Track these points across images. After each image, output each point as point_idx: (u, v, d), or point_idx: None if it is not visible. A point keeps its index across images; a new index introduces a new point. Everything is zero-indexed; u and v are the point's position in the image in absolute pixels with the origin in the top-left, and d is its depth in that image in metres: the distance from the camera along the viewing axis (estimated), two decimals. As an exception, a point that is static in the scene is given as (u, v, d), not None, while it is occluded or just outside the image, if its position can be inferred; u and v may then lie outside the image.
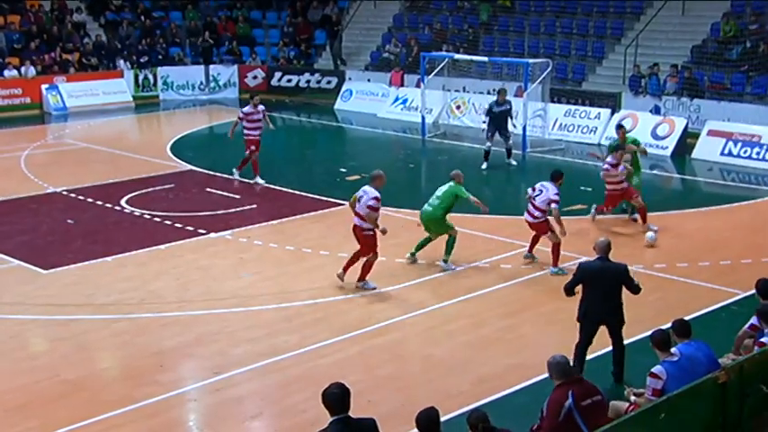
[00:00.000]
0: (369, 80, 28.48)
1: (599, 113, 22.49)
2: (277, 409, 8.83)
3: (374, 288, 11.74)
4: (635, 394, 7.46)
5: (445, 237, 12.52)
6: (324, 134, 25.59)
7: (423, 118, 23.17)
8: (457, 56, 24.70)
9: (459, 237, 12.64)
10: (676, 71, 23.14)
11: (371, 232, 11.73)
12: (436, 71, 23.86)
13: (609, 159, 14.28)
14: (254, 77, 30.90)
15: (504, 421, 6.73)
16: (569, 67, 26.05)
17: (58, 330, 10.63)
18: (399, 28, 30.85)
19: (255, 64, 31.25)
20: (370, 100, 27.36)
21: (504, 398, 8.75)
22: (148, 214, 15.46)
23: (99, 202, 16.29)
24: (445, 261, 12.52)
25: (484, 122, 19.76)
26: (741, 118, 20.76)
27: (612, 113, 22.38)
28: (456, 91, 24.74)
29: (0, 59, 27.68)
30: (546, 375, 7.01)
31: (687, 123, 21.25)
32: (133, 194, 16.77)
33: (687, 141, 20.87)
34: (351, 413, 5.94)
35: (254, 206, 16.13)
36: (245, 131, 17.70)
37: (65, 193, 17.08)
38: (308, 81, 30.32)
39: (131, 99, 28.96)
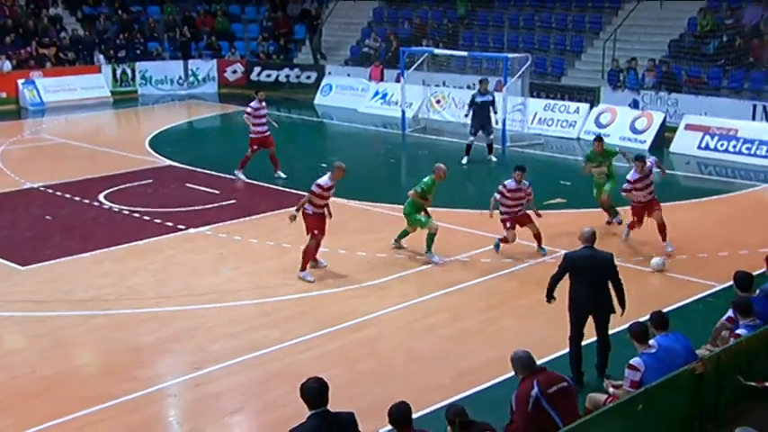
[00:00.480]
0: (348, 75, 28.44)
1: (578, 108, 22.59)
2: (257, 404, 8.81)
3: (311, 281, 11.74)
4: (613, 386, 7.51)
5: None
6: (304, 129, 25.54)
7: (403, 113, 23.18)
8: (436, 51, 24.75)
9: (440, 231, 12.64)
10: (654, 65, 23.28)
11: (311, 214, 11.78)
12: (416, 66, 23.89)
13: (631, 176, 12.85)
14: (234, 72, 30.77)
15: (485, 414, 6.75)
16: (548, 61, 26.14)
17: (35, 327, 10.54)
18: (379, 22, 30.82)
19: (234, 59, 31.11)
20: (350, 95, 27.33)
21: (484, 391, 8.77)
22: (127, 210, 15.36)
23: (77, 198, 16.17)
24: (427, 253, 12.55)
25: (466, 115, 19.72)
26: (718, 112, 20.92)
27: (591, 108, 22.50)
28: (436, 85, 24.78)
29: (-25, 54, 27.39)
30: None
31: (665, 117, 21.39)
32: (111, 190, 16.66)
33: (665, 135, 21.01)
34: (331, 407, 5.94)
35: (234, 201, 16.07)
36: (252, 128, 17.39)
37: (42, 188, 16.93)
38: (288, 76, 30.22)
39: (109, 94, 28.77)
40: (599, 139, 14.32)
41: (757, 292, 8.37)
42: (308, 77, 29.81)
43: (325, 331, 10.27)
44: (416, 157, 21.10)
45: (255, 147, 17.45)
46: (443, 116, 23.90)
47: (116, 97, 28.73)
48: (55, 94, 27.52)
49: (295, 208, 11.99)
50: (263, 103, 17.58)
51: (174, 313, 10.90)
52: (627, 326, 7.72)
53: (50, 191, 16.76)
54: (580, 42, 26.32)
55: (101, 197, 16.13)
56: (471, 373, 9.18)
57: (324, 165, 18.57)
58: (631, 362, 7.15)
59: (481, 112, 19.21)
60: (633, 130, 21.30)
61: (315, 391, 5.85)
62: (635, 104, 22.57)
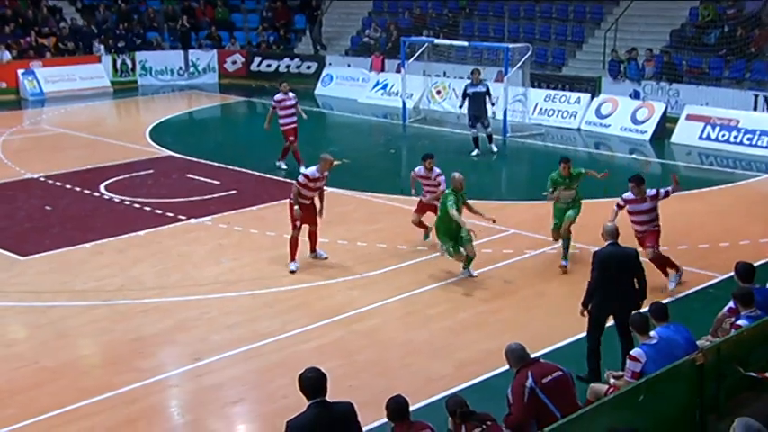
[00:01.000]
0: (349, 65, 28.37)
1: (579, 98, 22.54)
2: (258, 395, 8.82)
3: (293, 271, 11.75)
4: (614, 377, 7.52)
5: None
6: (304, 120, 25.43)
7: (403, 103, 23.13)
8: (437, 41, 24.67)
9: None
10: (651, 55, 23.21)
11: (296, 205, 11.78)
12: (416, 56, 23.82)
13: (626, 195, 11.16)
14: (234, 62, 30.70)
15: (485, 405, 6.76)
16: (549, 51, 26.07)
17: (36, 317, 10.55)
18: (379, 12, 30.73)
19: (234, 49, 31.03)
20: (350, 85, 27.28)
21: (484, 382, 8.77)
22: (127, 200, 15.35)
23: (77, 189, 16.16)
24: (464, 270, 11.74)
25: (460, 107, 19.65)
26: (719, 102, 20.88)
27: (592, 98, 22.46)
28: (436, 76, 24.72)
29: (-27, 44, 27.33)
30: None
31: (666, 108, 21.35)
32: (112, 180, 16.65)
33: (666, 126, 20.98)
34: (331, 398, 5.94)
35: (235, 192, 16.05)
36: (280, 120, 17.25)
37: (42, 179, 16.92)
38: (288, 66, 30.13)
39: (109, 84, 28.71)
40: (566, 160, 12.22)
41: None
42: (309, 68, 29.74)
43: (325, 322, 10.28)
44: (417, 147, 21.04)
45: (291, 138, 17.27)
46: (444, 107, 23.85)
47: (116, 87, 28.68)
48: (54, 85, 27.46)
49: (292, 200, 11.93)
50: (290, 94, 17.37)
51: (175, 304, 10.91)
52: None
53: (50, 181, 16.75)
54: (581, 32, 26.24)
55: (101, 188, 16.12)
56: (471, 364, 9.19)
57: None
58: (632, 353, 7.16)
59: (475, 103, 19.07)
60: (634, 120, 21.27)
61: (313, 382, 5.86)
62: (636, 95, 22.51)
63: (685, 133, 20.44)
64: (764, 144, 19.25)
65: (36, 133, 22.34)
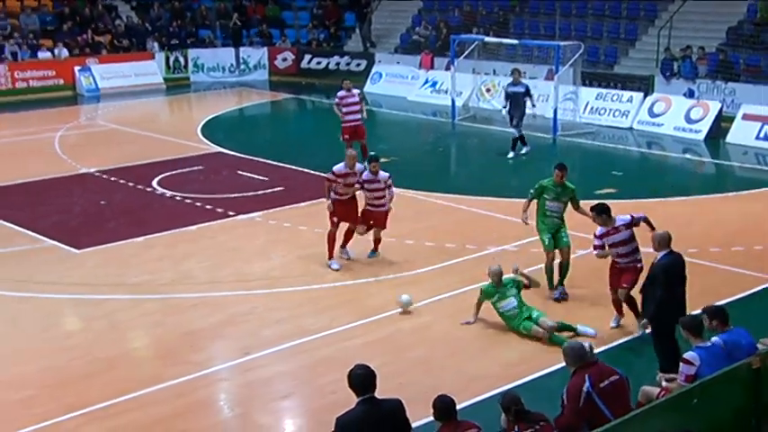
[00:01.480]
0: (398, 63, 28.37)
1: (631, 97, 22.22)
2: (306, 390, 8.87)
3: (336, 269, 11.75)
4: (666, 380, 7.40)
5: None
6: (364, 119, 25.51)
7: (452, 101, 23.06)
8: (487, 39, 24.52)
9: (487, 220, 12.55)
10: (704, 53, 22.78)
11: (333, 201, 11.85)
12: (466, 54, 23.72)
13: (597, 232, 9.86)
14: (284, 60, 30.94)
15: (531, 405, 6.71)
16: (601, 49, 25.75)
17: (91, 310, 10.76)
18: (429, 10, 30.66)
19: (285, 46, 31.26)
20: (399, 83, 27.28)
21: (532, 382, 8.71)
22: (179, 196, 15.56)
23: (130, 184, 16.43)
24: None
25: (504, 107, 19.47)
26: (777, 101, 20.43)
27: (645, 97, 22.12)
28: (486, 74, 24.57)
29: (34, 41, 27.94)
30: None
31: (721, 107, 20.93)
32: (164, 176, 16.89)
33: (721, 125, 20.57)
34: (378, 395, 5.95)
35: (283, 188, 16.17)
36: (343, 117, 17.27)
37: (97, 173, 17.24)
38: (338, 63, 30.26)
39: (162, 81, 29.14)
40: (561, 167, 11.03)
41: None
42: (358, 65, 29.82)
43: (374, 318, 10.30)
44: (466, 146, 20.99)
45: (347, 136, 17.24)
46: (493, 105, 23.68)
47: (168, 84, 29.10)
48: (109, 81, 27.97)
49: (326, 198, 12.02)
50: (353, 91, 17.30)
51: (225, 298, 11.02)
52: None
53: (105, 176, 17.06)
54: (634, 30, 25.86)
55: (154, 183, 16.37)
56: (519, 363, 9.13)
57: (372, 153, 18.58)
58: (686, 356, 7.03)
59: (514, 102, 18.90)
60: (688, 119, 20.89)
61: (362, 378, 5.87)
62: (690, 94, 22.11)
63: (741, 133, 20.01)
64: (823, 144, 18.78)
65: (91, 129, 22.78)
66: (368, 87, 27.89)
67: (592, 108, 22.49)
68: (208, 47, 30.84)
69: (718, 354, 6.92)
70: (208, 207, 14.81)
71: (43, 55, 27.66)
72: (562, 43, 22.19)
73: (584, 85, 22.73)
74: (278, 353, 9.50)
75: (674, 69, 23.03)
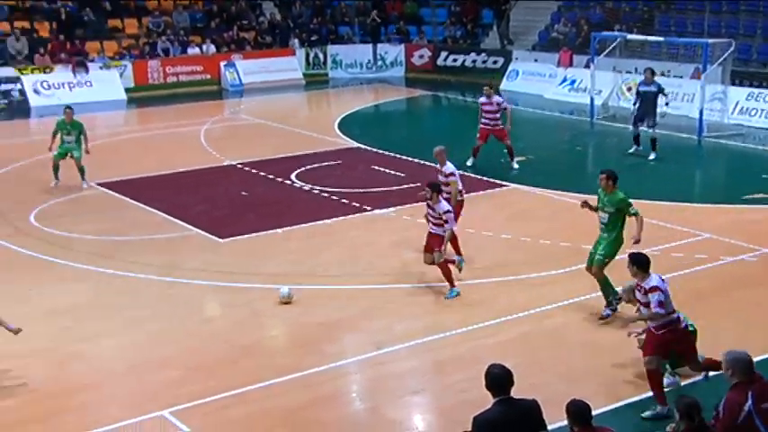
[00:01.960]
0: (536, 60, 27.99)
1: (785, 97, 21.08)
2: (438, 387, 8.90)
3: (454, 261, 11.15)
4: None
5: None
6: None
7: (591, 99, 22.54)
8: (630, 36, 23.80)
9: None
10: None
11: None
12: (607, 52, 23.11)
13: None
14: (421, 57, 31.09)
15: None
16: (754, 47, 24.51)
17: (232, 297, 11.16)
18: (569, 7, 30.06)
19: (422, 43, 31.41)
20: (536, 80, 26.92)
21: (674, 391, 8.39)
22: (316, 189, 15.92)
23: (270, 176, 16.94)
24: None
25: (635, 104, 18.85)
26: None
27: (800, 97, 20.94)
28: (627, 72, 23.86)
29: (185, 38, 29.24)
30: (720, 371, 6.62)
31: None
32: (302, 169, 17.32)
33: None
34: (512, 395, 5.90)
35: (419, 184, 16.22)
36: (479, 120, 17.37)
37: (239, 166, 17.87)
38: (474, 61, 30.16)
39: (302, 76, 29.88)
40: (610, 175, 10.18)
41: None
42: (495, 62, 29.61)
43: (507, 318, 10.22)
44: (604, 145, 20.48)
45: (480, 140, 17.25)
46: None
47: (308, 80, 29.81)
48: (253, 76, 28.92)
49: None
50: (493, 99, 17.04)
51: (360, 292, 11.20)
52: None
53: (246, 168, 17.65)
54: (790, 27, 24.50)
55: (292, 176, 16.81)
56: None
57: (505, 151, 18.47)
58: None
59: (644, 102, 18.27)
60: None
61: (500, 378, 5.84)
62: None
63: None
64: None
65: (234, 122, 23.63)
66: (504, 84, 27.64)
67: (742, 108, 21.46)
68: (346, 43, 31.39)
69: None
70: (344, 201, 15.08)
71: (192, 51, 28.92)
72: (711, 41, 21.26)
73: (734, 84, 21.72)
74: (410, 348, 9.56)
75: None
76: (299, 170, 17.23)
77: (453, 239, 11.42)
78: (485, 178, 16.49)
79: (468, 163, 17.12)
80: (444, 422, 8.19)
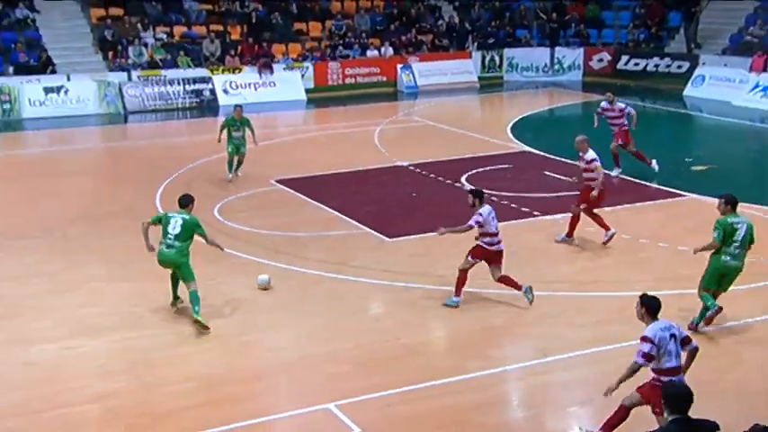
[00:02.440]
0: (725, 65, 26.54)
1: None
2: (605, 399, 8.54)
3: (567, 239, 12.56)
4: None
5: None
6: (669, 121, 24.33)
7: (787, 107, 21.14)
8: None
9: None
10: None
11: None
12: (806, 56, 21.59)
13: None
14: (600, 60, 30.29)
15: None
16: None
17: (398, 295, 11.27)
18: (767, 9, 28.26)
19: (602, 47, 30.54)
20: (725, 86, 25.57)
21: None
22: (486, 192, 15.76)
23: (440, 178, 16.99)
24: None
25: None
26: None
27: None
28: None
29: (365, 40, 29.94)
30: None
31: None
32: (472, 172, 17.25)
33: None
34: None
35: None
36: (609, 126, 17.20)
37: (410, 167, 18.04)
38: (657, 65, 29.03)
39: (476, 79, 29.84)
40: (728, 200, 9.96)
41: None
42: (679, 67, 28.34)
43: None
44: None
45: (620, 141, 16.94)
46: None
47: (482, 83, 29.71)
48: (428, 79, 29.20)
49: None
50: (617, 105, 16.93)
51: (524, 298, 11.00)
52: None
53: (417, 170, 17.80)
54: None
55: (462, 178, 16.78)
56: None
57: (688, 159, 17.65)
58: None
59: None
60: None
61: (679, 396, 5.57)
62: None
63: None
64: None
65: (407, 124, 23.91)
66: (688, 90, 26.44)
67: None
68: (524, 46, 31.04)
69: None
70: (513, 206, 14.89)
71: (371, 53, 29.55)
72: None
73: None
74: (577, 357, 9.30)
75: None
76: (469, 173, 17.18)
77: (594, 215, 12.59)
78: (659, 186, 15.82)
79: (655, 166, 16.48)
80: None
